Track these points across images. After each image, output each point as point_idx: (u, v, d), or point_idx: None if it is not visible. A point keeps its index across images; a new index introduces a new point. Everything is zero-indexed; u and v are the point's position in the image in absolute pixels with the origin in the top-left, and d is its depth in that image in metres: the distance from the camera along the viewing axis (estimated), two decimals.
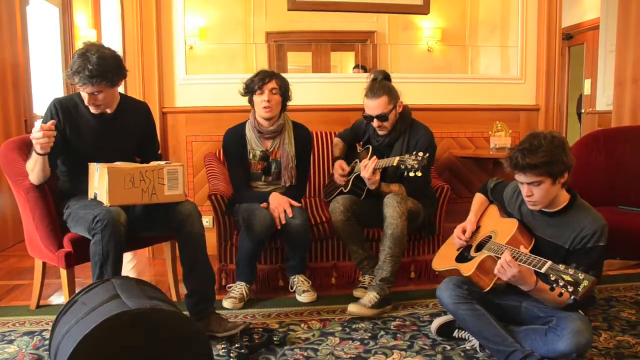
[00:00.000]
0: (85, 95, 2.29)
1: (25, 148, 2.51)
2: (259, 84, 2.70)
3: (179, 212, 2.30)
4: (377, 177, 2.61)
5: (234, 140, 2.84)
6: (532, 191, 1.92)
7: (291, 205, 2.68)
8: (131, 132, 2.51)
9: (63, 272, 2.40)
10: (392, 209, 2.57)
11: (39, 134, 2.11)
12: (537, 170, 1.86)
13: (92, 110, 2.35)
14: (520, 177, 1.93)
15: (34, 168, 2.26)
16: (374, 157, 2.62)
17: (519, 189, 2.03)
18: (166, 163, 2.30)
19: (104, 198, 2.17)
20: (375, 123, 2.72)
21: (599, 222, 1.91)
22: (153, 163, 2.31)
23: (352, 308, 2.49)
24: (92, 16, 5.67)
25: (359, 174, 2.78)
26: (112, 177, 2.14)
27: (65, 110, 2.34)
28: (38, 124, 2.19)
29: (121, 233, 2.13)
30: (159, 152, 2.71)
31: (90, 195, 2.31)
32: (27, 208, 2.39)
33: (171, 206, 2.30)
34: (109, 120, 2.41)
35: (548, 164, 1.85)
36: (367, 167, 2.59)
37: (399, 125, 2.76)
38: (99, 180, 2.21)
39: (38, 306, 2.64)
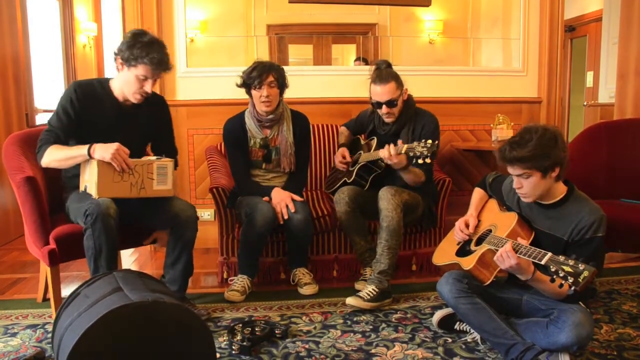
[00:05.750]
0: (136, 83, 2.27)
1: (25, 144, 2.50)
2: (257, 80, 2.69)
3: (179, 215, 2.33)
4: (402, 158, 2.49)
5: (234, 129, 2.85)
6: (522, 183, 1.93)
7: (293, 200, 2.69)
8: (146, 125, 2.48)
9: (48, 270, 2.38)
10: (387, 201, 2.57)
11: (120, 157, 2.15)
12: (524, 163, 1.87)
13: (136, 99, 2.32)
14: (510, 169, 1.94)
15: (68, 160, 2.23)
16: (400, 140, 2.52)
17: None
18: (157, 158, 2.31)
19: (92, 190, 2.18)
20: (383, 110, 2.71)
21: (597, 213, 1.91)
22: (144, 158, 2.32)
23: (350, 301, 2.50)
24: (93, 9, 5.65)
25: (363, 165, 2.79)
26: (102, 170, 2.15)
27: (85, 95, 2.30)
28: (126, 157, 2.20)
29: (111, 226, 2.13)
30: (175, 146, 2.67)
31: (81, 188, 2.31)
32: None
33: (172, 205, 2.32)
34: (127, 112, 2.38)
35: (534, 157, 1.85)
36: (398, 149, 2.46)
37: (404, 113, 2.75)
38: (90, 172, 2.22)
39: (44, 299, 2.64)
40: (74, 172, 2.35)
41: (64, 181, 2.46)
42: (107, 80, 2.40)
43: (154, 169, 2.27)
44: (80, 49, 5.38)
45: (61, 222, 2.43)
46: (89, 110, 2.30)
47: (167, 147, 2.57)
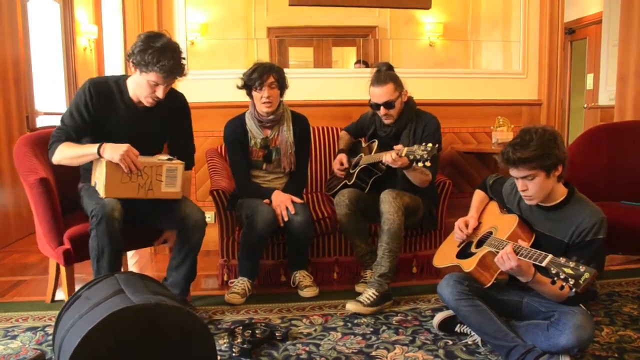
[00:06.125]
0: (148, 88, 2.23)
1: (35, 146, 2.53)
2: (258, 82, 2.70)
3: (188, 218, 2.32)
4: (405, 160, 2.51)
5: (235, 130, 2.85)
6: (527, 185, 1.92)
7: (293, 202, 2.69)
8: (159, 129, 2.45)
9: (62, 269, 2.41)
10: (388, 204, 2.57)
11: (129, 159, 2.13)
12: (529, 164, 1.87)
13: (148, 103, 2.29)
14: (513, 172, 1.94)
15: (79, 158, 2.23)
16: (400, 145, 2.54)
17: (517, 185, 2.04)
18: (168, 159, 2.30)
19: (100, 189, 2.19)
20: (381, 111, 2.71)
21: (597, 215, 1.91)
22: (155, 157, 2.31)
23: (350, 306, 2.50)
24: (93, 12, 5.66)
25: (364, 167, 2.79)
26: (110, 170, 2.15)
27: (99, 94, 2.28)
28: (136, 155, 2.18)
29: (115, 229, 2.13)
30: (192, 145, 2.60)
31: (92, 183, 2.32)
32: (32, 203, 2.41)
33: (182, 208, 2.32)
34: (141, 113, 2.35)
35: (539, 157, 1.86)
36: (398, 152, 2.48)
37: (404, 115, 2.76)
38: (99, 171, 2.22)
39: (53, 300, 2.64)
40: (90, 165, 2.33)
41: (80, 171, 2.45)
42: (124, 79, 2.36)
43: (163, 171, 2.25)
44: (80, 51, 5.39)
45: (74, 222, 2.45)
46: (103, 111, 2.29)
47: (182, 147, 2.52)
